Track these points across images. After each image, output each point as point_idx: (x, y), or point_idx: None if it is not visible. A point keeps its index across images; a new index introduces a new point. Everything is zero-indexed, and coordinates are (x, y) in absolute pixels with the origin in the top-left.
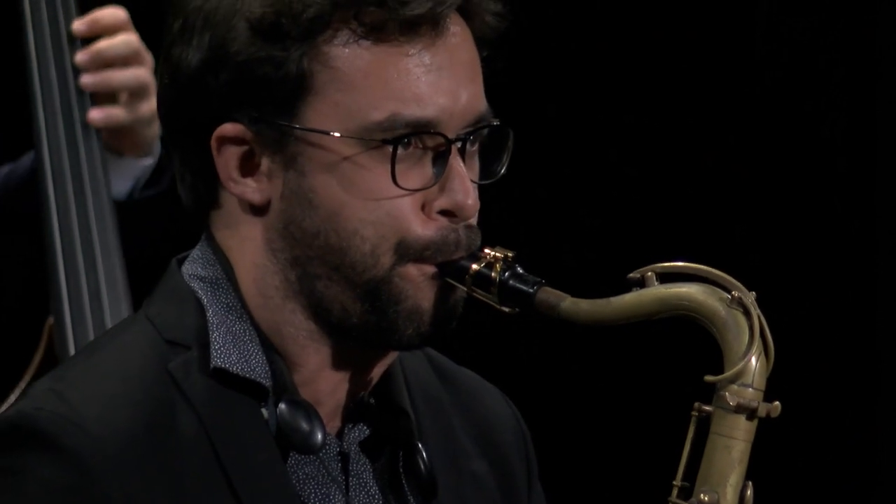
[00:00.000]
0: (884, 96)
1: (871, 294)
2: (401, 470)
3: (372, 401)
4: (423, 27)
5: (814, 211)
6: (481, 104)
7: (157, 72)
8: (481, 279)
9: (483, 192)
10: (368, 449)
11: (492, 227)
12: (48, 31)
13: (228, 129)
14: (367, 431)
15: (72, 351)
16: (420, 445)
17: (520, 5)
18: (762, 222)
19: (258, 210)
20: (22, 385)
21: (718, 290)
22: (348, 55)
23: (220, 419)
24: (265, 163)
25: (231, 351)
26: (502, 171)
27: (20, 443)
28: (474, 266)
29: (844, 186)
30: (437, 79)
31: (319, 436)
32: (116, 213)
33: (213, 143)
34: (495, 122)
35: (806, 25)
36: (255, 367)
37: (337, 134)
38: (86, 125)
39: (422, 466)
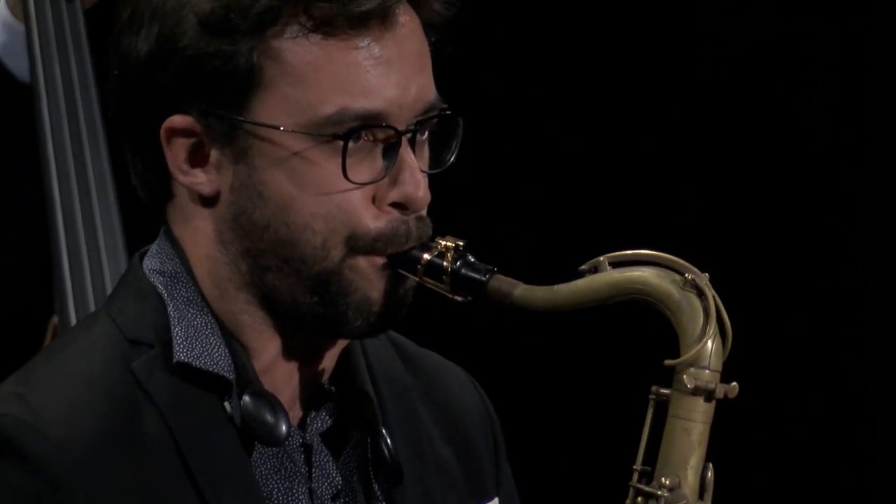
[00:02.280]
0: (878, 87)
1: (836, 273)
2: (369, 456)
3: (333, 388)
4: (372, 20)
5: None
6: (431, 93)
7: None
8: (433, 268)
9: (432, 180)
10: (332, 438)
11: (440, 215)
12: (52, 30)
13: (177, 120)
14: (330, 421)
15: None
16: (384, 432)
17: None
18: (716, 205)
19: (208, 201)
20: None
21: (672, 272)
22: (297, 49)
23: (183, 417)
24: (214, 154)
25: (193, 345)
26: (452, 159)
27: None
28: (426, 256)
29: (789, 165)
30: (387, 71)
31: (284, 427)
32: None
33: (163, 135)
34: (445, 111)
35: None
36: (217, 359)
37: (287, 128)
38: (91, 127)
39: (386, 453)
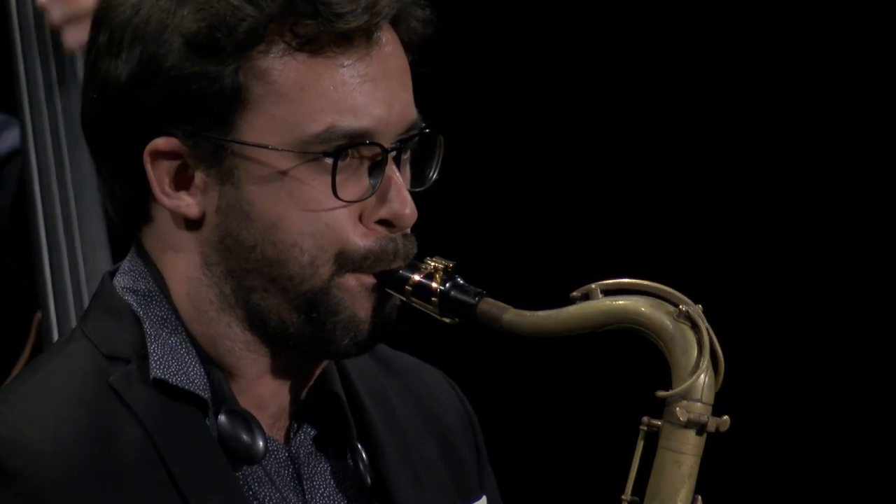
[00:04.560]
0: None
1: (827, 305)
2: (360, 465)
3: (312, 402)
4: (356, 39)
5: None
6: (413, 111)
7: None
8: (421, 290)
9: (417, 199)
10: (319, 448)
11: (426, 235)
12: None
13: (161, 143)
14: (314, 432)
15: None
16: (359, 446)
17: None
18: (706, 232)
19: (192, 224)
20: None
21: (665, 303)
22: (283, 68)
23: (165, 429)
24: (199, 176)
25: (169, 363)
26: (434, 176)
27: None
28: (415, 277)
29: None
30: (373, 89)
31: (261, 444)
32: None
33: (146, 158)
34: (426, 129)
35: (803, 21)
36: (193, 378)
37: (274, 147)
38: (69, 121)
39: (361, 467)
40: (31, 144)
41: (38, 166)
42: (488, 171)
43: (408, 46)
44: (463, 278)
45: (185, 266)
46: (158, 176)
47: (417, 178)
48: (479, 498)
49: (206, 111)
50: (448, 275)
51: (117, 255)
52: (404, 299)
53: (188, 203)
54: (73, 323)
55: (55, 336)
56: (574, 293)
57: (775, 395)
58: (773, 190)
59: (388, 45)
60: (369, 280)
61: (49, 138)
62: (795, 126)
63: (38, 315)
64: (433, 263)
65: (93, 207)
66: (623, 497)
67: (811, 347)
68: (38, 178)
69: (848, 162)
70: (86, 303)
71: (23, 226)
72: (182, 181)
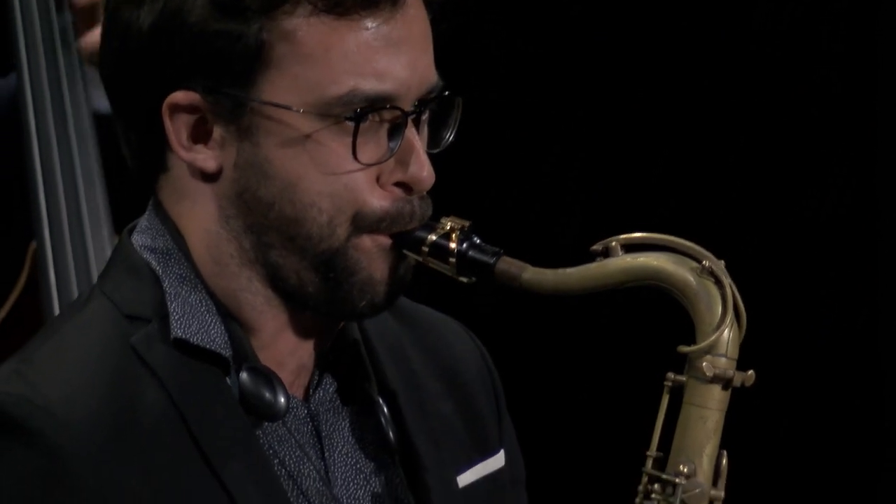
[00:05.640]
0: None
1: (845, 261)
2: (381, 419)
3: (330, 356)
4: (382, 2)
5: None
6: (433, 75)
7: (102, 34)
8: (438, 250)
9: (435, 160)
10: (339, 404)
11: (444, 195)
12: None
13: (181, 97)
14: (333, 388)
15: (51, 276)
16: (380, 401)
17: None
18: (731, 193)
19: (209, 177)
20: (6, 308)
21: (688, 259)
22: (308, 29)
23: (186, 389)
24: (218, 131)
25: (190, 322)
26: (451, 138)
27: None
28: (431, 237)
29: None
30: (396, 53)
31: (283, 401)
32: (100, 126)
33: (165, 110)
34: (446, 92)
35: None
36: (214, 337)
37: (295, 108)
38: (67, 50)
39: (383, 421)
40: (26, 78)
41: (33, 101)
42: (504, 127)
43: (429, 5)
44: (480, 238)
45: (203, 219)
46: (176, 128)
47: (434, 139)
48: (496, 453)
49: (227, 68)
50: (465, 234)
51: (112, 187)
52: (421, 260)
53: (205, 157)
54: (69, 252)
55: (50, 266)
56: (594, 246)
57: (797, 351)
58: (795, 138)
59: (413, 7)
60: (386, 241)
61: (45, 73)
62: (812, 67)
63: (34, 244)
64: (449, 224)
65: (90, 140)
66: (648, 453)
67: (832, 304)
68: (32, 109)
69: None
70: (84, 232)
71: (15, 153)
72: (200, 135)
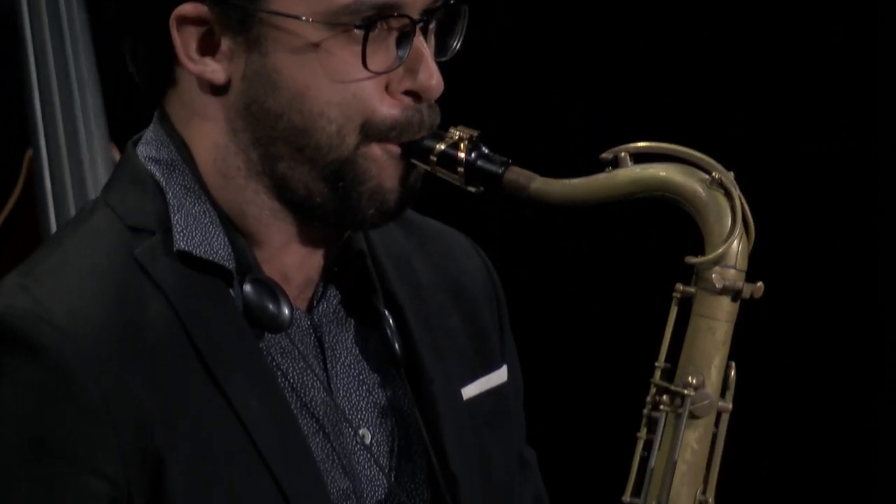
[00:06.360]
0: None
1: (856, 180)
2: (387, 331)
3: (336, 269)
4: None
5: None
6: None
7: None
8: (447, 159)
9: (442, 69)
10: (343, 316)
11: (448, 105)
12: None
13: (189, 9)
14: (337, 299)
15: (47, 185)
16: (385, 312)
17: None
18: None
19: (218, 90)
20: (4, 215)
21: (697, 170)
22: None
23: (189, 301)
24: (226, 43)
25: (193, 233)
26: (458, 46)
27: None
28: (440, 146)
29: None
30: None
31: (286, 312)
32: (95, 33)
33: (172, 23)
34: (452, 0)
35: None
36: (217, 249)
37: (304, 17)
38: None
39: (388, 333)
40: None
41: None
42: (512, 35)
43: None
44: (488, 147)
45: (211, 132)
46: (185, 41)
47: (440, 48)
48: (500, 367)
49: None
50: (473, 144)
51: (108, 94)
52: (429, 169)
53: (214, 69)
54: (65, 160)
55: (46, 174)
56: (604, 154)
57: (805, 265)
58: (806, 54)
59: None
60: (395, 150)
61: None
62: None
63: (30, 152)
64: (458, 133)
65: (85, 46)
66: (657, 364)
67: (838, 219)
68: (28, 18)
69: None
70: (78, 139)
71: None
72: (208, 47)
